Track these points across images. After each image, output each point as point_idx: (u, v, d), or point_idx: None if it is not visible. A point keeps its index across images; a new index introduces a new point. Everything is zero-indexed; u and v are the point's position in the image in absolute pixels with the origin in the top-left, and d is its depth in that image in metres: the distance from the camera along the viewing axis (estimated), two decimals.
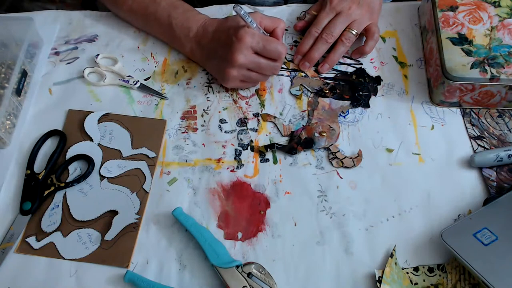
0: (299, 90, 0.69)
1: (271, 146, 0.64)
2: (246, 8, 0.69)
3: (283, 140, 0.65)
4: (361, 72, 0.71)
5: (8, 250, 0.57)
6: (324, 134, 0.64)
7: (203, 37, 0.67)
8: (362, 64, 0.72)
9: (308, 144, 0.64)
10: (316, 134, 0.64)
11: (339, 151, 0.63)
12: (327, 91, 0.69)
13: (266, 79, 0.69)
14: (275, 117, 0.67)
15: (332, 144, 0.64)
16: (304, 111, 0.67)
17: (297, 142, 0.64)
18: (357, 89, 0.69)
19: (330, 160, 0.63)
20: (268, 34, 0.66)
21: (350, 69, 0.71)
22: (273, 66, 0.65)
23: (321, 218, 0.59)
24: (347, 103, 0.68)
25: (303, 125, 0.66)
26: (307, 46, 0.70)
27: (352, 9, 0.69)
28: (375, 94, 0.69)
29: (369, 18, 0.70)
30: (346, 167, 0.62)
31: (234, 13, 0.76)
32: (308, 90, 0.69)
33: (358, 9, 0.69)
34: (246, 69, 0.64)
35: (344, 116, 0.67)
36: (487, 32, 0.66)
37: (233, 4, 0.58)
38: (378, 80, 0.70)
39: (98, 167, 0.62)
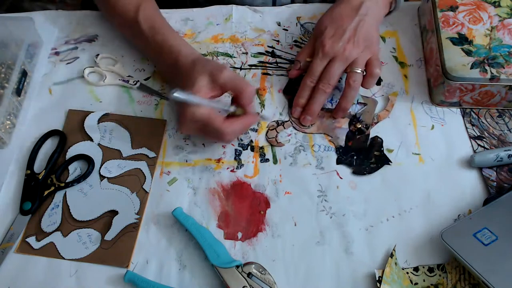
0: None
1: None
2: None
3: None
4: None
5: (8, 250, 0.57)
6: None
7: (174, 74, 0.63)
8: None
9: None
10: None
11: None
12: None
13: None
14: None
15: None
16: None
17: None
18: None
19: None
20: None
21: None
22: (220, 141, 0.61)
23: (321, 218, 0.59)
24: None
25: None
26: (304, 98, 0.65)
27: (347, 50, 0.62)
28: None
29: (369, 52, 0.64)
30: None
31: (234, 14, 0.76)
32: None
33: (354, 48, 0.63)
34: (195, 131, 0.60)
35: None
36: (487, 32, 0.66)
37: (172, 91, 0.53)
38: (377, 80, 0.70)
39: (98, 167, 0.62)
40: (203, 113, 0.56)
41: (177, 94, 0.53)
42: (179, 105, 0.58)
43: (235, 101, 0.61)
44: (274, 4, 0.79)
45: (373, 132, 0.65)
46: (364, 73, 0.64)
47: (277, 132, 0.65)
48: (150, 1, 0.69)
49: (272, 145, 0.64)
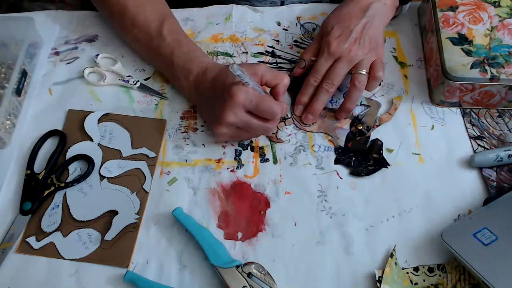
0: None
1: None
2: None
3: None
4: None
5: (8, 250, 0.57)
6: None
7: (202, 82, 0.62)
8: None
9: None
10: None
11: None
12: None
13: (258, 136, 0.65)
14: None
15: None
16: None
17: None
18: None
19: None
20: (269, 90, 0.62)
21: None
22: (265, 127, 0.59)
23: (321, 218, 0.59)
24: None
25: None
26: (307, 97, 0.65)
27: (353, 52, 0.63)
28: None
29: (375, 54, 0.64)
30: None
31: (234, 13, 0.76)
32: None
33: (360, 50, 0.63)
34: (235, 127, 0.59)
35: None
36: (487, 32, 0.66)
37: (230, 64, 0.53)
38: None
39: (98, 167, 0.62)
40: (255, 93, 0.57)
41: (236, 67, 0.54)
42: (227, 91, 0.57)
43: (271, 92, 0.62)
44: (283, 5, 0.78)
45: (374, 134, 0.65)
46: (368, 75, 0.64)
47: (277, 128, 0.66)
48: (173, 17, 0.69)
49: (271, 141, 0.64)
